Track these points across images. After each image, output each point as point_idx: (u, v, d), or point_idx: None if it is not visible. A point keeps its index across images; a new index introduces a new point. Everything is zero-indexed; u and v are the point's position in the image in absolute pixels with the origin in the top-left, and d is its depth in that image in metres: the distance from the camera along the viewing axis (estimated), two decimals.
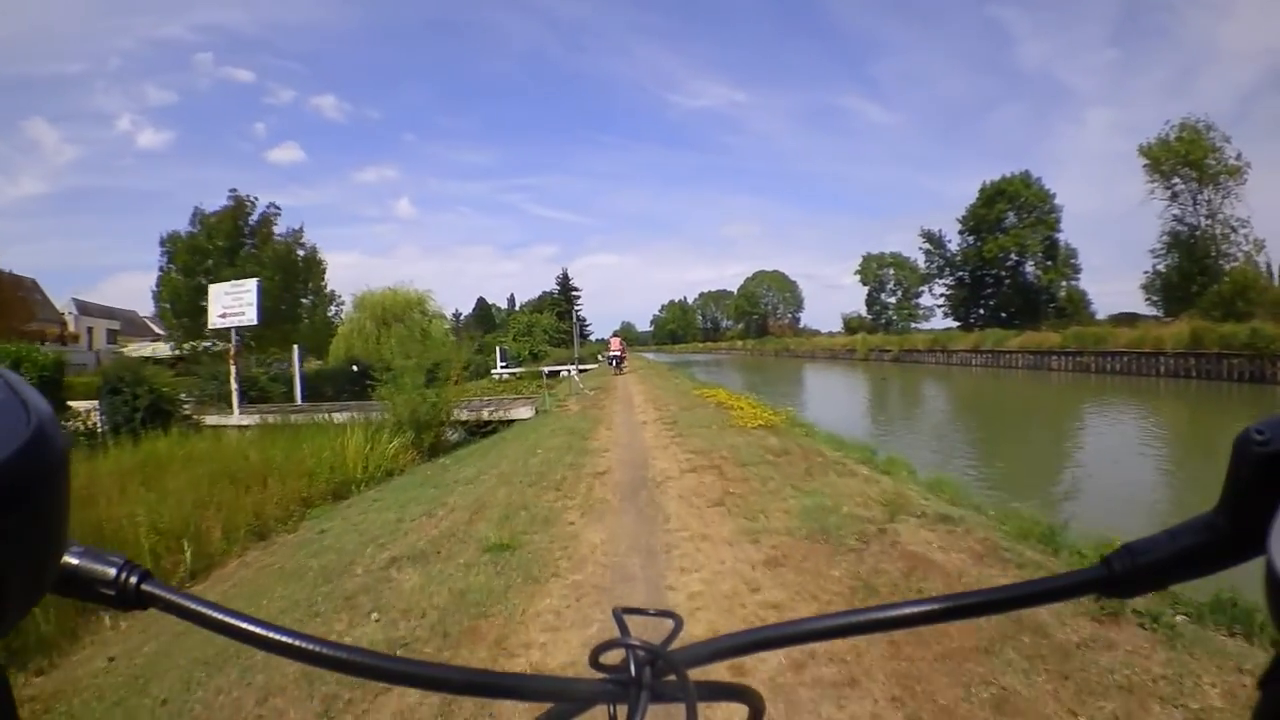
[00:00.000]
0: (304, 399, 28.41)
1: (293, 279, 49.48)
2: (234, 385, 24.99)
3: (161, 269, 45.83)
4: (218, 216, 46.14)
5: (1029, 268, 78.73)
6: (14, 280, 59.47)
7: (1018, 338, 55.66)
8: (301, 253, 51.51)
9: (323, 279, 53.74)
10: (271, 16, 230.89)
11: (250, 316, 25.23)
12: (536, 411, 21.06)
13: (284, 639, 0.50)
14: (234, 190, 49.35)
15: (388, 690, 3.94)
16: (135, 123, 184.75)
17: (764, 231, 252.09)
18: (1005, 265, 79.53)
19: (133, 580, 0.51)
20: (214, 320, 25.87)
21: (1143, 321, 53.89)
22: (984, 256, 78.77)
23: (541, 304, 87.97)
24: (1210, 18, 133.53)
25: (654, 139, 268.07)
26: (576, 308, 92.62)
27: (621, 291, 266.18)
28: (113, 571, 0.51)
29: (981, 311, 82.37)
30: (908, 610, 0.56)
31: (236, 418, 23.84)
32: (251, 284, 25.87)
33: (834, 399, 35.42)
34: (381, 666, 0.51)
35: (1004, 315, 78.89)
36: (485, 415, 21.12)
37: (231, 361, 25.63)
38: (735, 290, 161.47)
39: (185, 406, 24.69)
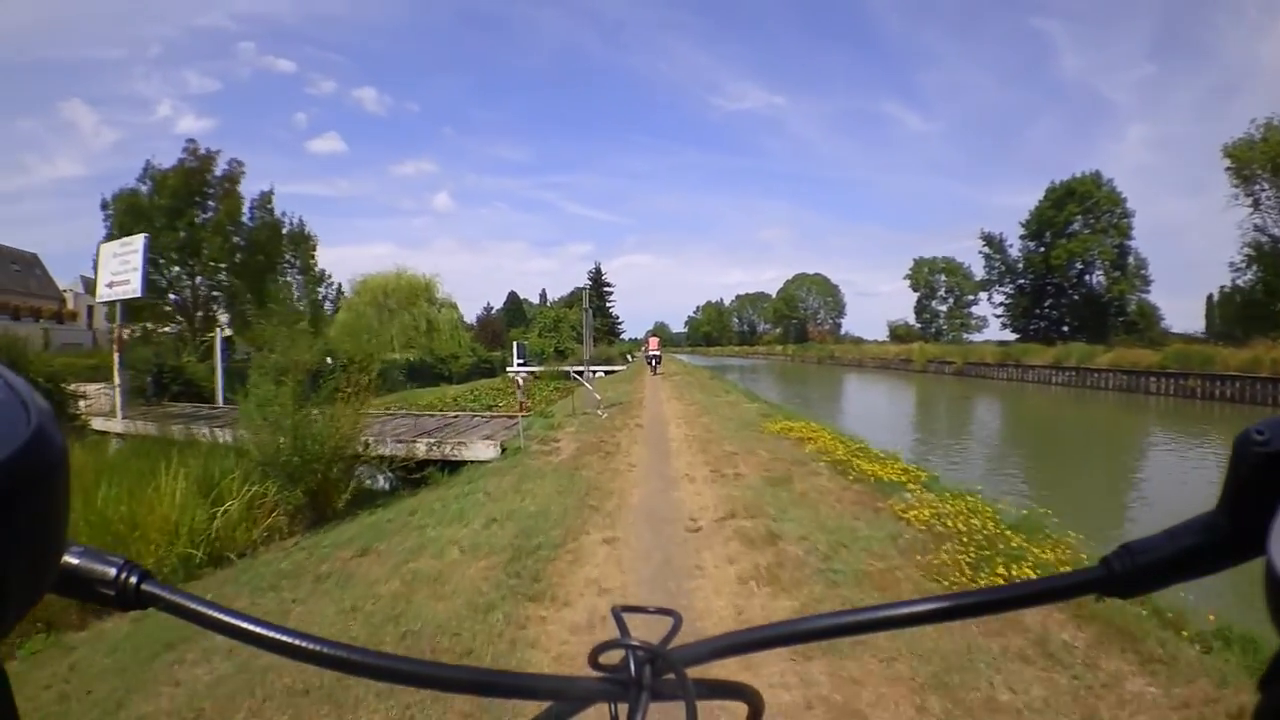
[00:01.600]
0: (225, 400, 21.28)
1: (272, 254, 42.28)
2: (117, 381, 18.08)
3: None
4: (166, 173, 38.72)
5: (1097, 277, 70.85)
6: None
7: (1106, 354, 47.48)
8: (287, 228, 44.33)
9: (312, 257, 46.29)
10: (313, 8, 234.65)
11: (135, 286, 18.19)
12: (503, 450, 13.42)
13: (284, 638, 0.50)
14: (191, 141, 42.48)
15: None
16: (176, 108, 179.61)
17: (798, 237, 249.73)
18: (1070, 274, 71.58)
19: (133, 580, 0.51)
20: (101, 292, 18.79)
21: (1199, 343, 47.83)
22: (1050, 263, 70.61)
23: (573, 300, 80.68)
24: (1250, 35, 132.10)
25: (691, 140, 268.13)
26: (609, 304, 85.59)
27: (655, 292, 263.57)
28: (113, 571, 0.51)
29: (1043, 323, 74.47)
30: (908, 610, 0.56)
31: (120, 423, 17.50)
32: (137, 241, 18.66)
33: (934, 431, 27.53)
34: (382, 666, 0.50)
35: (1066, 328, 71.28)
36: (423, 453, 13.61)
37: (116, 348, 18.59)
38: (773, 293, 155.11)
39: (84, 403, 19.42)
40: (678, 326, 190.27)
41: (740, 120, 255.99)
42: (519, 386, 18.13)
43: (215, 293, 40.63)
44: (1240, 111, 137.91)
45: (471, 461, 13.24)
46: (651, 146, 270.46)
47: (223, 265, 39.67)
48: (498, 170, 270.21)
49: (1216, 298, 75.88)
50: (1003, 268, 77.98)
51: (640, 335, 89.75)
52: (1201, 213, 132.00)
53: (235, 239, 40.50)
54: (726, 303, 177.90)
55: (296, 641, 0.49)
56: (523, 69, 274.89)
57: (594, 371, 50.45)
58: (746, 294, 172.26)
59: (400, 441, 14.20)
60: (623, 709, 0.52)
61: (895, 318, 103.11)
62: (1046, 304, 74.50)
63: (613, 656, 0.54)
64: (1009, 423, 31.94)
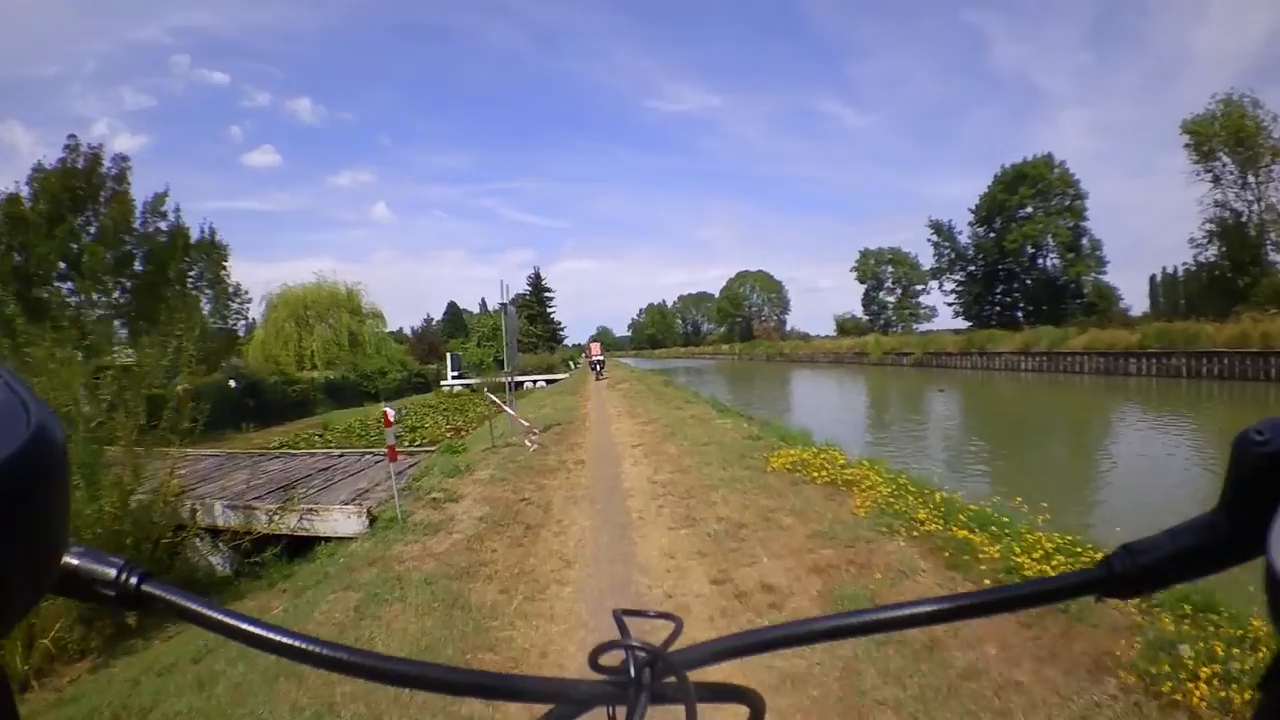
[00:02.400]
0: None
1: (166, 265, 36.57)
2: None
3: None
4: (47, 173, 33.32)
5: (1051, 260, 68.30)
6: None
7: (1080, 336, 44.22)
8: (197, 236, 38.85)
9: (222, 268, 40.64)
10: (247, 19, 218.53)
11: None
12: (371, 521, 8.55)
13: (284, 640, 0.49)
14: (73, 136, 36.97)
15: None
16: (111, 126, 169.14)
17: (740, 234, 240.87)
18: (1022, 258, 68.89)
19: (133, 580, 0.50)
20: None
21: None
22: (1003, 248, 67.77)
23: (516, 308, 75.53)
24: (1183, 21, 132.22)
25: (629, 143, 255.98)
26: (549, 309, 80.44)
27: (597, 296, 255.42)
28: (113, 572, 0.49)
29: (995, 309, 71.81)
30: (908, 611, 0.55)
31: None
32: None
33: (914, 431, 23.09)
34: (381, 667, 0.50)
35: (1020, 313, 68.86)
36: (263, 524, 8.70)
37: None
38: (716, 293, 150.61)
39: None
40: (621, 330, 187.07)
41: (678, 121, 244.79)
42: (499, 405, 16.67)
43: (104, 312, 34.67)
44: (1176, 97, 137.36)
45: (328, 539, 8.49)
46: (590, 150, 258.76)
47: (112, 279, 34.05)
48: (436, 179, 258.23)
49: (1160, 277, 75.54)
50: (953, 255, 75.06)
51: (584, 341, 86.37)
52: (1142, 195, 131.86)
53: (128, 249, 35.22)
54: (670, 304, 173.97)
55: (296, 643, 0.49)
56: (460, 77, 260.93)
57: (533, 382, 45.71)
58: (689, 294, 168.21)
59: (234, 507, 9.38)
60: (621, 711, 0.51)
61: (841, 311, 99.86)
62: (999, 289, 71.71)
63: (612, 659, 0.53)
64: (993, 414, 28.13)
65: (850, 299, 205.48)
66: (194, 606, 0.50)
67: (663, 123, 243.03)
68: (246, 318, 42.79)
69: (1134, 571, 0.51)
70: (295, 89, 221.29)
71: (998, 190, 68.71)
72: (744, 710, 0.59)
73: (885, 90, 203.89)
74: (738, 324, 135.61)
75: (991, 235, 70.66)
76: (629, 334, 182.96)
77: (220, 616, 0.50)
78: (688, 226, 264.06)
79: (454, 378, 46.98)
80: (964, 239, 74.57)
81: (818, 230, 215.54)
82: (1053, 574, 4.21)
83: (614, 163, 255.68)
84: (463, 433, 22.86)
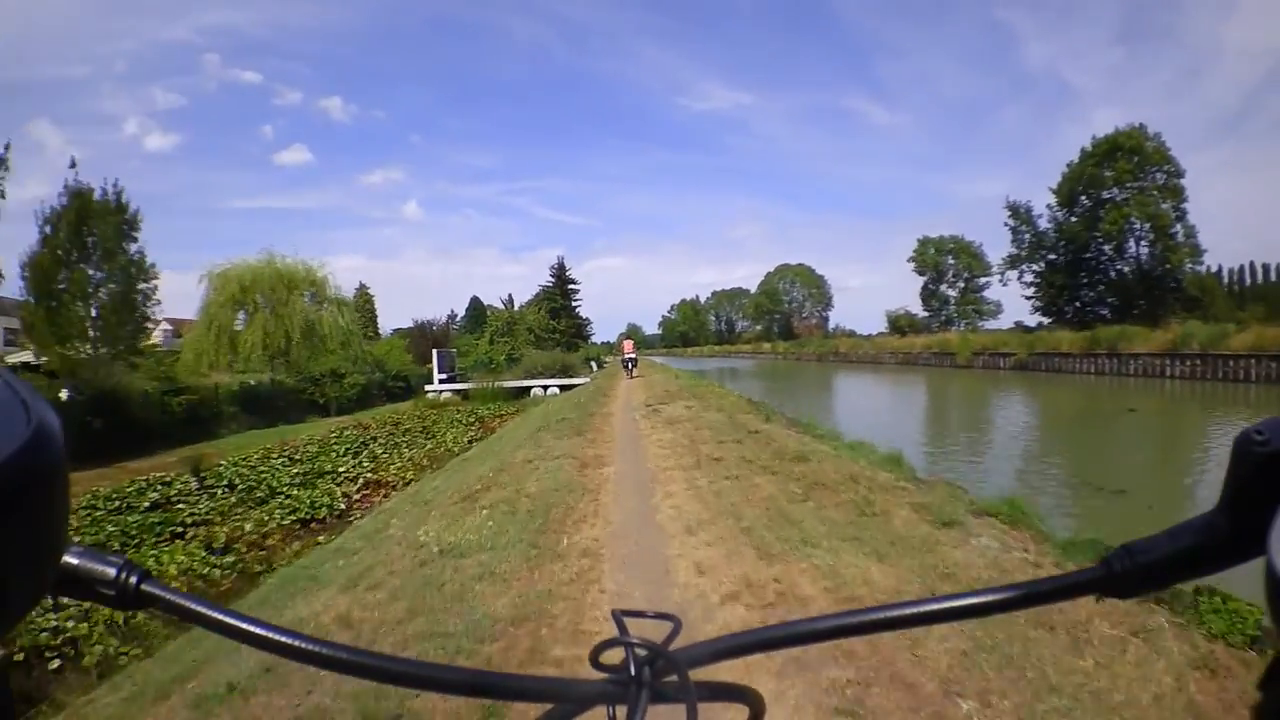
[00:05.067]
0: None
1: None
2: None
3: None
4: None
5: (1143, 248, 56.83)
6: None
7: (1240, 335, 33.94)
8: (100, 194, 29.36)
9: (132, 238, 31.05)
10: (277, 18, 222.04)
11: None
12: None
13: (284, 639, 0.49)
14: None
15: None
16: (142, 125, 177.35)
17: (768, 232, 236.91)
18: (1110, 246, 58.06)
19: (132, 580, 0.49)
20: None
21: None
22: (1101, 231, 56.51)
23: (539, 301, 66.05)
24: (1214, 18, 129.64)
25: (660, 141, 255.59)
26: (575, 303, 70.49)
27: (627, 294, 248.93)
28: (112, 571, 0.49)
29: (1076, 304, 60.63)
30: (908, 611, 0.55)
31: None
32: None
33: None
34: (381, 667, 0.49)
35: (1106, 310, 57.81)
36: None
37: None
38: (753, 289, 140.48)
39: None
40: (651, 328, 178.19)
41: (708, 119, 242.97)
42: None
43: None
44: (1207, 93, 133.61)
45: None
46: (620, 149, 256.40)
47: None
48: (467, 177, 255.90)
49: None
50: (1033, 241, 63.72)
51: (613, 338, 78.33)
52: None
53: None
54: (702, 300, 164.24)
55: (296, 643, 0.48)
56: (491, 75, 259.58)
57: (543, 388, 35.49)
58: (724, 290, 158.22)
59: None
60: (621, 710, 0.51)
61: (864, 311, 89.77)
62: (1083, 281, 60.74)
63: (612, 658, 0.52)
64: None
65: (883, 298, 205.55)
66: (194, 606, 0.49)
67: (693, 120, 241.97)
68: (151, 300, 32.00)
69: (1134, 571, 0.50)
70: (327, 88, 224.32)
71: (1088, 165, 57.28)
72: (744, 710, 0.58)
73: (914, 88, 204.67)
74: (776, 321, 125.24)
75: (1073, 219, 59.68)
76: (659, 332, 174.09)
77: (220, 616, 0.49)
78: (718, 225, 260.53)
79: (443, 381, 37.55)
80: (1042, 223, 63.32)
81: (845, 229, 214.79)
82: None
83: (644, 161, 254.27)
84: (367, 498, 13.59)
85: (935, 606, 0.53)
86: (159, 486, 15.00)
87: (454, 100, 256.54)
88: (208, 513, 12.64)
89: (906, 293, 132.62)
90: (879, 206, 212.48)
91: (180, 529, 11.60)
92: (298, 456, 18.64)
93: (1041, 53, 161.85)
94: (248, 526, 11.34)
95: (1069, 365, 42.61)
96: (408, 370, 45.14)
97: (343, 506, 12.79)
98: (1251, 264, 62.96)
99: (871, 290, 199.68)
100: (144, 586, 0.49)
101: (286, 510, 12.37)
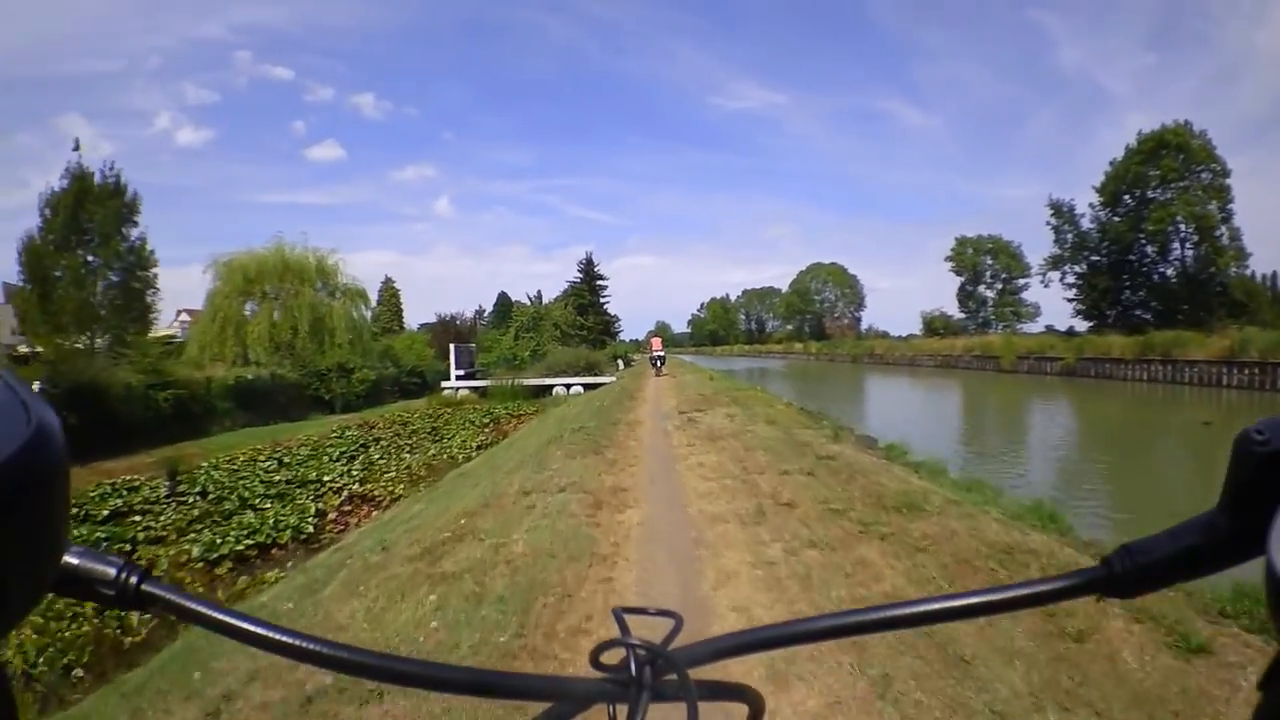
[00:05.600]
0: None
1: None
2: None
3: None
4: None
5: (1187, 250, 54.06)
6: None
7: None
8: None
9: (132, 222, 29.24)
10: (310, 16, 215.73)
11: None
12: None
13: (284, 639, 0.49)
14: None
15: None
16: (174, 120, 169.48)
17: (799, 234, 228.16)
18: (1154, 247, 55.25)
19: (133, 580, 0.49)
20: None
21: None
22: (1147, 231, 53.65)
23: (566, 298, 63.88)
24: (1246, 24, 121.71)
25: (692, 141, 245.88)
26: (603, 299, 68.00)
27: (657, 292, 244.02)
28: (112, 571, 0.49)
29: (1118, 307, 57.70)
30: (908, 610, 0.54)
31: None
32: None
33: None
34: (381, 666, 0.49)
35: (1148, 313, 55.03)
36: None
37: None
38: (783, 288, 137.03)
39: None
40: (680, 326, 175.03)
41: (741, 119, 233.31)
42: None
43: None
44: (1239, 98, 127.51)
45: None
46: (652, 148, 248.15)
47: None
48: (499, 174, 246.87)
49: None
50: (1076, 241, 60.59)
51: (641, 336, 76.61)
52: None
53: None
54: (733, 299, 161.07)
55: (296, 642, 0.48)
56: (523, 73, 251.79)
57: (565, 387, 33.23)
58: (755, 289, 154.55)
59: None
60: (621, 709, 0.50)
61: (895, 313, 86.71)
62: (1126, 284, 57.70)
63: (613, 657, 0.52)
64: None
65: (914, 300, 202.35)
66: (194, 606, 0.50)
67: (725, 120, 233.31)
68: (152, 287, 30.32)
69: (1134, 571, 0.50)
70: (359, 84, 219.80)
71: (1133, 161, 54.42)
72: (744, 709, 0.58)
73: (947, 91, 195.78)
74: (807, 321, 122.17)
75: (1116, 218, 56.97)
76: (688, 330, 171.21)
77: (220, 616, 0.49)
78: (748, 225, 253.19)
79: (460, 377, 35.51)
80: (1084, 224, 60.39)
81: (875, 231, 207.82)
82: None
83: (675, 160, 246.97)
84: (345, 517, 11.98)
85: (936, 606, 0.52)
86: (124, 492, 13.47)
87: (486, 98, 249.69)
88: (165, 527, 10.99)
89: (936, 296, 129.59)
90: (909, 209, 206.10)
91: (128, 548, 9.96)
92: (288, 460, 16.93)
93: (1074, 56, 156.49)
94: (195, 551, 9.41)
95: (1119, 371, 40.18)
96: (426, 365, 42.91)
97: (310, 529, 10.89)
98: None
99: (901, 293, 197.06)
100: (144, 586, 0.49)
101: (245, 531, 10.34)
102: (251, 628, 0.48)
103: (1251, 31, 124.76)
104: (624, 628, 0.54)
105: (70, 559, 0.47)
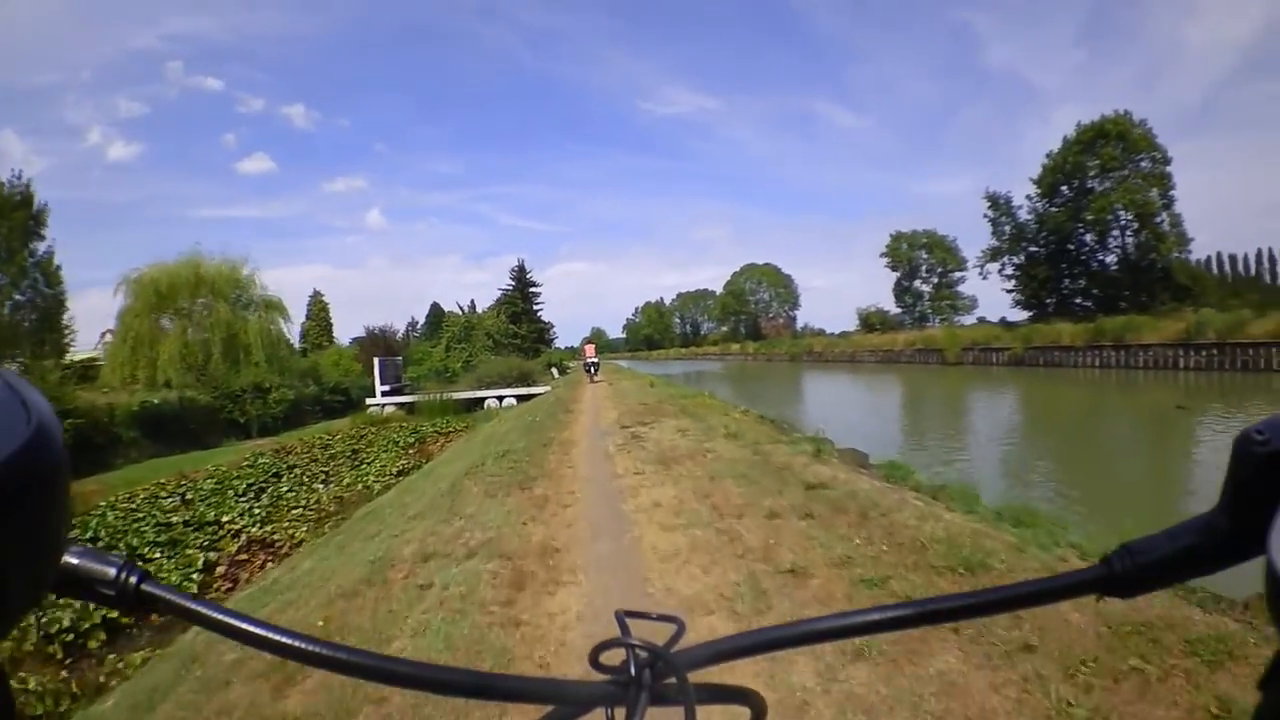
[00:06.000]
0: None
1: None
2: None
3: None
4: None
5: (1128, 237, 53.57)
6: None
7: (1260, 321, 30.79)
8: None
9: (39, 235, 26.09)
10: (242, 25, 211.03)
11: None
12: None
13: (284, 640, 0.48)
14: None
15: None
16: (105, 135, 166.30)
17: (734, 235, 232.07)
18: (1093, 236, 55.14)
19: (132, 580, 0.49)
20: None
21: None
22: (1086, 220, 53.15)
23: (499, 306, 61.37)
24: (1176, 15, 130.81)
25: (624, 146, 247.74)
26: (536, 307, 65.69)
27: (593, 299, 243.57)
28: (112, 571, 0.48)
29: (1056, 296, 57.28)
30: (908, 611, 0.54)
31: None
32: None
33: None
34: (381, 668, 0.49)
35: (1090, 301, 54.51)
36: None
37: None
38: (717, 290, 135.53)
39: None
40: (616, 332, 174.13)
41: (673, 124, 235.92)
42: None
43: None
44: (1167, 91, 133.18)
45: None
46: (585, 154, 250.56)
47: None
48: (430, 185, 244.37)
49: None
50: (1014, 232, 60.03)
51: (577, 343, 75.16)
52: None
53: None
54: (667, 303, 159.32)
55: (295, 643, 0.48)
56: (456, 82, 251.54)
57: (498, 399, 30.60)
58: (689, 292, 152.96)
59: None
60: (620, 712, 0.50)
61: (831, 311, 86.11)
62: (1065, 273, 57.16)
63: (613, 659, 0.52)
64: None
65: (849, 298, 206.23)
66: (194, 606, 0.49)
67: (657, 125, 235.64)
68: (63, 306, 27.37)
69: (1133, 571, 0.49)
70: (289, 95, 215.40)
71: (1071, 152, 53.87)
72: (745, 711, 0.58)
73: (879, 91, 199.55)
74: (743, 321, 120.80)
75: (1053, 209, 56.52)
76: (624, 335, 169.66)
77: (220, 616, 0.49)
78: (682, 228, 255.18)
79: (385, 393, 32.67)
80: (1022, 215, 59.77)
81: (810, 230, 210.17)
82: None
83: (609, 166, 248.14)
84: (233, 571, 10.03)
85: (936, 606, 0.52)
86: None
87: (419, 107, 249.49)
88: None
89: (871, 292, 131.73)
90: (843, 207, 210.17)
91: None
92: (191, 496, 14.28)
93: (1003, 54, 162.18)
94: (66, 620, 7.35)
95: (1070, 359, 39.46)
96: (351, 382, 39.67)
97: (195, 589, 8.59)
98: (1219, 254, 60.19)
99: (836, 290, 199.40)
100: (144, 587, 0.48)
101: (78, 612, 7.79)
102: (251, 628, 0.48)
103: (1181, 24, 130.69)
104: (624, 629, 0.54)
105: (70, 559, 0.47)
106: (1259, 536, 0.37)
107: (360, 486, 14.54)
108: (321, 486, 15.11)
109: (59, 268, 28.37)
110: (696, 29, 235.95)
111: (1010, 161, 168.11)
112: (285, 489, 14.86)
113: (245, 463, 17.91)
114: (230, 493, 14.35)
